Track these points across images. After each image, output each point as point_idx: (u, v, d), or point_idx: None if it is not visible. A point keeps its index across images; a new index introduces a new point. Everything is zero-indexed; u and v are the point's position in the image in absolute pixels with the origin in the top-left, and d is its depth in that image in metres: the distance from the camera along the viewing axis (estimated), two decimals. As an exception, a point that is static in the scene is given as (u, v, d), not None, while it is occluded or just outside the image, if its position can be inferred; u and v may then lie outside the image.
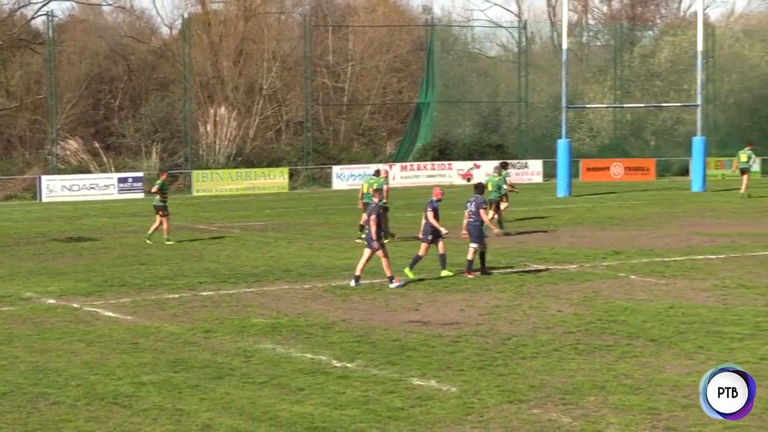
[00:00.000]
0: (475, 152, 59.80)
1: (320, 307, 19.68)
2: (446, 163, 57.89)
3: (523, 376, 14.06)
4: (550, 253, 26.98)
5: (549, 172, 55.56)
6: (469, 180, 55.24)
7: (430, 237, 22.82)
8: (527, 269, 23.93)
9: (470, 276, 22.80)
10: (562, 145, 49.72)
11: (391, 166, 51.75)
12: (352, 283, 22.00)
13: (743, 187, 44.65)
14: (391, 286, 21.64)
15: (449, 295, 20.83)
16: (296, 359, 15.28)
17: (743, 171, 45.27)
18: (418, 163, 57.47)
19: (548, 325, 17.61)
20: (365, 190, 29.53)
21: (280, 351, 15.87)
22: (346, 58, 65.61)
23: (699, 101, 52.24)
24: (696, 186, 50.53)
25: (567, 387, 13.48)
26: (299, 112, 61.29)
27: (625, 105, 62.24)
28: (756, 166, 49.35)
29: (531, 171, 57.84)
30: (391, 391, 13.36)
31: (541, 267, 24.31)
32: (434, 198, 23.17)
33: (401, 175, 55.55)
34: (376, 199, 22.69)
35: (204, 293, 21.52)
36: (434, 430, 11.80)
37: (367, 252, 21.97)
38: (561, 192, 48.51)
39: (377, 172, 30.71)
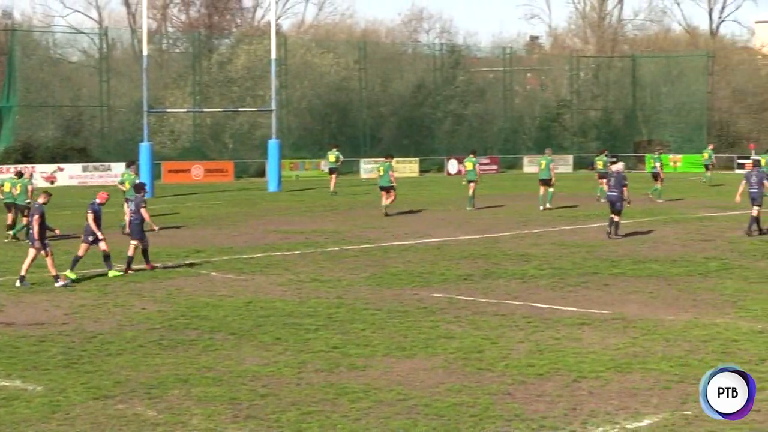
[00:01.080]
0: (58, 155, 58.94)
1: None
2: (30, 166, 56.39)
3: (108, 373, 14.31)
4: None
5: (132, 175, 55.56)
6: (52, 183, 54.25)
7: (90, 238, 22.98)
8: (112, 269, 24.04)
9: (130, 272, 23.51)
10: (144, 148, 49.97)
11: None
12: (18, 283, 21.70)
13: (332, 185, 48.13)
14: (57, 284, 21.69)
15: (34, 296, 20.74)
16: None
17: (332, 171, 48.84)
18: (1, 166, 55.69)
19: (133, 323, 17.95)
20: (7, 190, 30.48)
21: None
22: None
23: (273, 106, 54.26)
24: (272, 186, 52.42)
25: (152, 381, 13.83)
26: None
27: (204, 110, 63.21)
28: (325, 166, 52.94)
29: (114, 173, 57.32)
30: (-25, 394, 13.27)
31: (125, 267, 24.43)
32: (97, 201, 23.33)
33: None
34: (41, 200, 22.76)
35: None
36: (20, 430, 11.84)
37: (31, 252, 21.97)
38: (143, 194, 48.67)
39: (20, 174, 31.47)
